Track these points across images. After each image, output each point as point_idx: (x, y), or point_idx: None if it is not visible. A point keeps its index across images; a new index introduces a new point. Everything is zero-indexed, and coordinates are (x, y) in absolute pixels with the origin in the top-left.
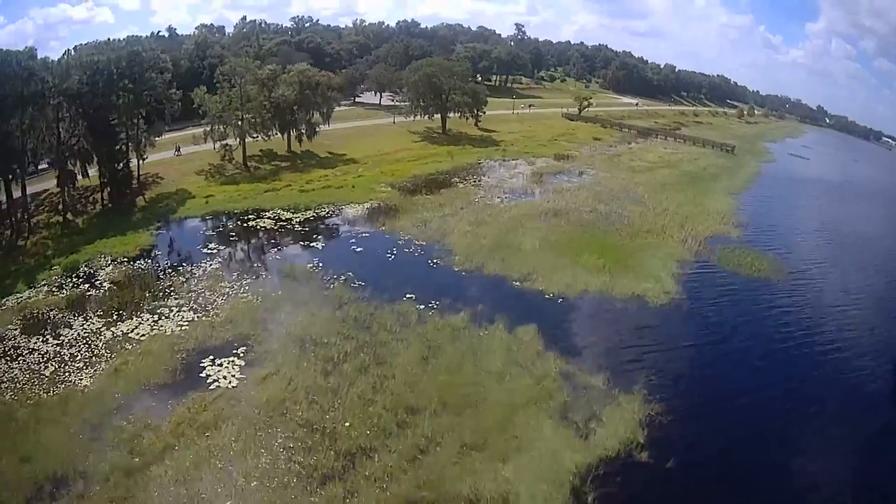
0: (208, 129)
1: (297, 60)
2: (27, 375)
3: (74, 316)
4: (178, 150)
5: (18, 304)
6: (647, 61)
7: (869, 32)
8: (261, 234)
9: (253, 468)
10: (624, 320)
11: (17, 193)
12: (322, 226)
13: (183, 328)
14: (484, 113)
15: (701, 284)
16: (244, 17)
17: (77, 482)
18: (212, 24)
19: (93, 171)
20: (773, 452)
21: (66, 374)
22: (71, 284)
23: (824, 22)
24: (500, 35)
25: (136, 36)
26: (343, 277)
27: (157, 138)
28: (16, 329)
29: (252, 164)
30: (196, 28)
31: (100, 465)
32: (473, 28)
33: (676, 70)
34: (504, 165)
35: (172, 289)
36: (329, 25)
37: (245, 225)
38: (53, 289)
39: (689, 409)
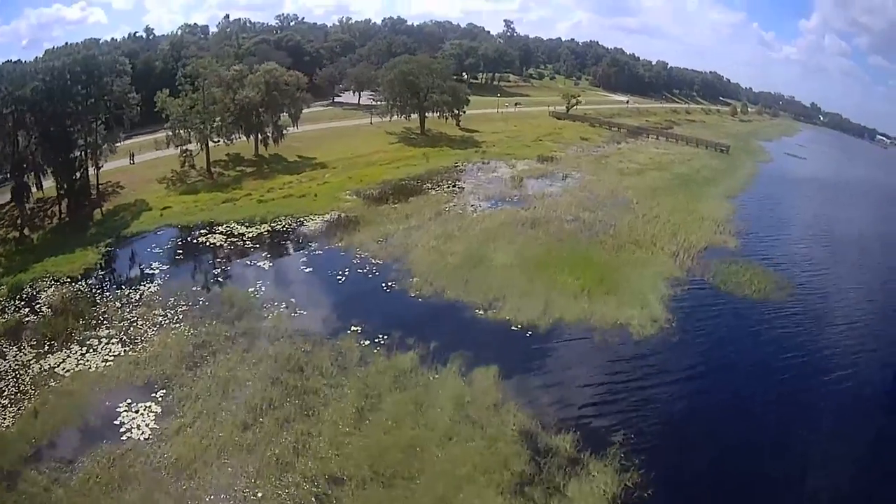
0: (170, 133)
1: (274, 59)
2: None
3: (10, 345)
4: (132, 158)
5: None
6: (638, 58)
7: (863, 29)
8: (208, 252)
9: None
10: (601, 359)
11: None
12: (274, 242)
13: (108, 364)
14: (464, 112)
15: (694, 310)
16: (227, 16)
17: None
18: (195, 24)
19: (50, 183)
20: None
21: None
22: (13, 308)
23: (818, 19)
24: (489, 32)
25: (101, 39)
26: (284, 305)
27: (117, 145)
28: None
29: (217, 169)
30: (179, 28)
31: None
32: (463, 25)
33: (668, 67)
34: (483, 169)
35: (106, 316)
36: (316, 23)
37: (194, 242)
38: None
39: (676, 482)
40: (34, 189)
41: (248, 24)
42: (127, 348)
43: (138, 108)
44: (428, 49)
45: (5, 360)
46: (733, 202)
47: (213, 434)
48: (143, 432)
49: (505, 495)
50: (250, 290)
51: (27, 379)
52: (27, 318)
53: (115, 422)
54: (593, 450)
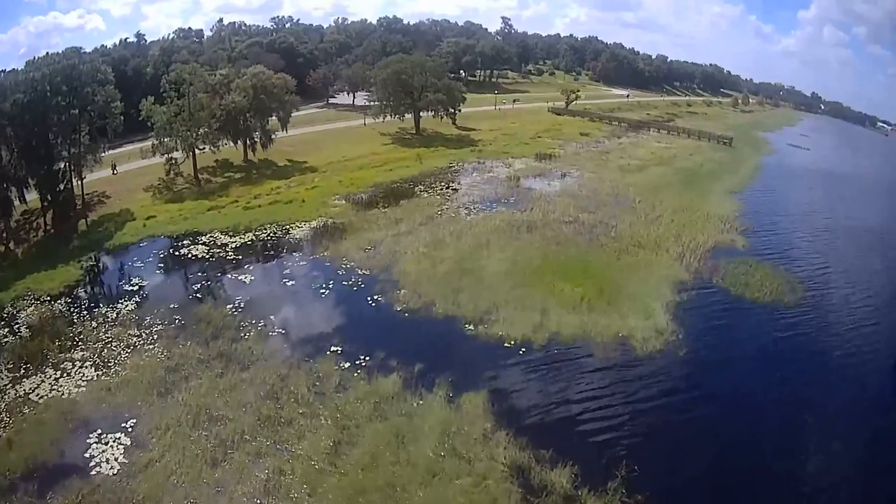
0: (156, 142)
1: (267, 62)
2: None
3: None
4: (114, 168)
5: None
6: (637, 52)
7: (861, 19)
8: (189, 264)
9: None
10: (601, 380)
11: None
12: (258, 252)
13: (81, 389)
14: (460, 111)
15: (702, 317)
16: (220, 20)
17: None
18: (189, 28)
19: (33, 196)
20: None
21: None
22: None
23: (816, 9)
24: (486, 30)
25: (82, 48)
26: (262, 323)
27: (102, 154)
28: None
29: (204, 176)
30: (173, 33)
31: None
32: (461, 24)
33: (668, 60)
34: (478, 169)
35: (82, 337)
36: (312, 25)
37: (176, 253)
38: None
39: None
40: (16, 202)
41: (242, 28)
42: (100, 372)
43: (121, 118)
44: (424, 48)
45: None
46: (739, 198)
47: (181, 470)
48: (111, 467)
49: None
50: (228, 307)
51: (2, 405)
52: (6, 340)
53: (86, 454)
54: (592, 486)
